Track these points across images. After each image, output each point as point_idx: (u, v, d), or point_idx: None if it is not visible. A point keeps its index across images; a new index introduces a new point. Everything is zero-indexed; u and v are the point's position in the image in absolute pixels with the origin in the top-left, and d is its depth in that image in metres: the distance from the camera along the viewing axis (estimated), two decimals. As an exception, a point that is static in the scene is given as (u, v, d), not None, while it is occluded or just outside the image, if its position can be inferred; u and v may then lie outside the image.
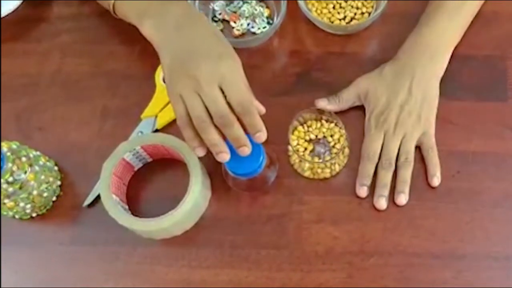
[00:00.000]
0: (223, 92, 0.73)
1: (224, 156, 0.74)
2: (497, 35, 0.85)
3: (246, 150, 0.74)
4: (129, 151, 0.80)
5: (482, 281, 0.78)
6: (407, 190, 0.81)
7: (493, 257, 0.79)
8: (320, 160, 0.82)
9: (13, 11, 0.92)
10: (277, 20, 0.89)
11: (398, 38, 0.90)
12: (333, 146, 0.83)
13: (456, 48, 0.86)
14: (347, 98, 0.85)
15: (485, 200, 0.81)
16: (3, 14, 0.92)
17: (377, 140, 0.82)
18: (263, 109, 0.77)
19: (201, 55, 0.74)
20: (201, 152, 0.75)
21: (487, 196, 0.81)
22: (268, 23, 0.92)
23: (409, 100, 0.82)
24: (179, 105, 0.74)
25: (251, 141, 0.76)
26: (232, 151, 0.75)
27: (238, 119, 0.74)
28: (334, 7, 0.91)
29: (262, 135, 0.75)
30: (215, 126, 0.74)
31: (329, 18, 0.90)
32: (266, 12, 0.92)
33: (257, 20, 0.92)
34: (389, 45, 0.90)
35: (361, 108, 0.86)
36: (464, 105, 0.82)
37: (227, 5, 0.93)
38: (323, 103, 0.84)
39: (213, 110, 0.73)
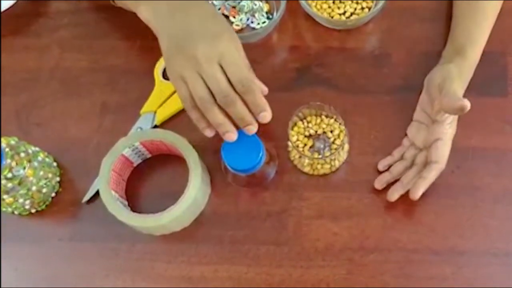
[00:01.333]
0: (224, 72, 0.73)
1: (231, 136, 0.74)
2: (498, 31, 0.85)
3: (252, 128, 0.74)
4: (128, 147, 0.80)
5: (482, 277, 0.78)
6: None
7: (493, 254, 0.79)
8: (320, 156, 0.82)
9: (12, 6, 0.92)
10: (276, 15, 0.89)
11: (398, 33, 0.90)
12: (333, 142, 0.83)
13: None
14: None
15: (485, 196, 0.81)
16: (2, 9, 0.91)
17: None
18: (265, 89, 0.77)
19: (199, 35, 0.73)
20: (210, 133, 0.75)
21: (487, 192, 0.81)
22: (268, 18, 0.92)
23: None
24: (182, 88, 0.74)
25: (250, 137, 0.75)
26: (232, 147, 0.75)
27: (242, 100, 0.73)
28: (334, 2, 0.91)
29: (267, 115, 0.74)
30: (220, 106, 0.73)
31: (329, 13, 0.90)
32: (266, 7, 0.92)
33: (256, 15, 0.91)
34: (389, 40, 0.90)
35: (362, 104, 0.86)
36: (465, 100, 0.82)
37: (226, 0, 0.93)
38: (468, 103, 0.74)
39: (215, 89, 0.73)
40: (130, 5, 0.81)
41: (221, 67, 0.73)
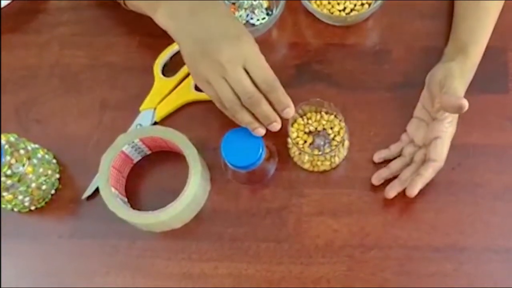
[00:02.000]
0: (247, 72, 0.74)
1: (260, 131, 0.76)
2: (498, 27, 0.85)
3: (276, 126, 0.76)
4: (128, 144, 0.79)
5: (482, 274, 0.78)
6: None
7: (493, 250, 0.79)
8: (320, 153, 0.81)
9: (12, 3, 0.92)
10: (276, 12, 0.89)
11: (398, 29, 0.90)
12: (333, 139, 0.82)
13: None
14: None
15: (486, 192, 0.81)
16: (2, 6, 0.91)
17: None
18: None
19: (220, 38, 0.74)
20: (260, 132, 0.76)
21: (487, 188, 0.81)
22: (268, 14, 0.91)
23: None
24: (210, 90, 0.76)
25: (250, 134, 0.75)
26: (232, 144, 0.75)
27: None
28: (334, -2, 0.91)
29: (290, 111, 0.76)
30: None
31: (329, 9, 0.90)
32: (265, 4, 0.92)
33: (256, 11, 0.91)
34: (389, 36, 0.90)
35: (362, 100, 0.86)
36: (465, 97, 0.81)
37: (226, -4, 0.93)
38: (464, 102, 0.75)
39: (240, 92, 0.74)
40: (147, 9, 0.80)
41: (245, 68, 0.74)
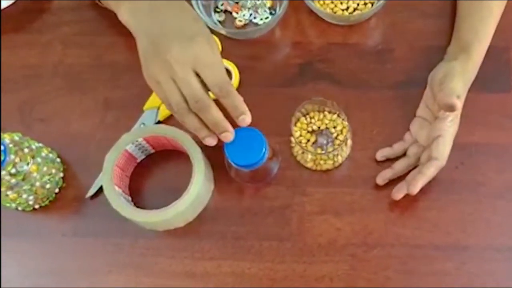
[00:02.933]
0: (198, 75, 0.72)
1: (209, 141, 0.74)
2: (501, 26, 0.85)
3: (229, 136, 0.73)
4: (131, 143, 0.80)
5: (485, 272, 0.78)
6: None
7: (496, 249, 0.79)
8: (323, 152, 0.82)
9: (15, 3, 0.92)
10: (279, 11, 0.89)
11: (401, 28, 0.90)
12: (336, 138, 0.82)
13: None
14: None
15: (488, 191, 0.81)
16: (5, 6, 0.91)
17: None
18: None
19: (173, 37, 0.72)
20: (209, 142, 0.75)
21: (490, 187, 0.81)
22: (271, 13, 0.91)
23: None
24: (159, 92, 0.73)
25: (253, 132, 0.75)
26: (235, 143, 0.75)
27: (219, 104, 0.72)
28: (336, -2, 0.91)
29: (246, 118, 0.73)
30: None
31: (332, 9, 0.90)
32: (269, 3, 0.92)
33: (259, 11, 0.91)
34: (392, 35, 0.90)
35: (365, 99, 0.86)
36: (467, 96, 0.81)
37: (229, -5, 0.93)
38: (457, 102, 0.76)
39: (187, 94, 0.71)
40: (113, 5, 0.81)
41: (196, 71, 0.72)
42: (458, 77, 0.79)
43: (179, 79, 0.71)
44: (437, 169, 0.79)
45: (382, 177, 0.81)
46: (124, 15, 0.77)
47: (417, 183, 0.78)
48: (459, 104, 0.76)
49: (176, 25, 0.74)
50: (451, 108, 0.76)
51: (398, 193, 0.79)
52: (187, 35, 0.73)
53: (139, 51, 0.75)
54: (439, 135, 0.79)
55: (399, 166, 0.81)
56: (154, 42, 0.73)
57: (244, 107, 0.73)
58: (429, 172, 0.78)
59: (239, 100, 0.73)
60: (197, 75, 0.72)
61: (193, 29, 0.74)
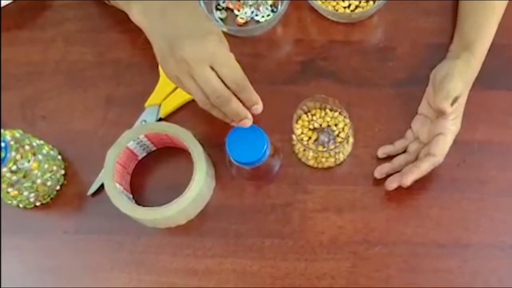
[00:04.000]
0: (215, 71, 0.73)
1: (245, 122, 0.75)
2: (504, 23, 0.85)
3: (247, 122, 0.75)
4: (133, 140, 0.80)
5: (487, 270, 0.78)
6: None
7: (498, 247, 0.79)
8: (324, 149, 0.81)
9: (16, 0, 0.92)
10: (281, 8, 0.89)
11: (403, 26, 0.90)
12: (338, 135, 0.82)
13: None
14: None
15: (491, 189, 0.81)
16: (7, 3, 0.91)
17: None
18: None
19: (187, 37, 0.73)
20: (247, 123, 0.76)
21: (492, 185, 0.81)
22: (272, 11, 0.91)
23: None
24: (182, 88, 0.75)
25: (255, 130, 0.75)
26: (237, 141, 0.75)
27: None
28: (339, -5, 0.91)
29: (259, 107, 0.75)
30: None
31: (334, 6, 0.90)
32: (270, 1, 0.92)
33: (261, 8, 0.91)
34: (394, 33, 0.90)
35: (367, 97, 0.86)
36: (470, 94, 0.81)
37: (231, -7, 0.93)
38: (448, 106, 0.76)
39: (208, 92, 0.73)
40: (123, 5, 0.81)
41: (213, 68, 0.73)
42: (457, 77, 0.78)
43: (198, 77, 0.72)
44: (433, 165, 0.78)
45: (380, 171, 0.81)
46: (136, 16, 0.78)
47: (411, 175, 0.78)
48: (449, 109, 0.76)
49: (189, 24, 0.75)
50: (441, 113, 0.76)
51: (392, 183, 0.79)
52: (201, 34, 0.73)
53: (155, 51, 0.76)
54: (440, 133, 0.78)
55: (398, 162, 0.81)
56: (169, 42, 0.74)
57: (257, 98, 0.75)
58: (424, 166, 0.78)
59: (253, 92, 0.75)
60: (214, 71, 0.73)
61: (206, 27, 0.75)
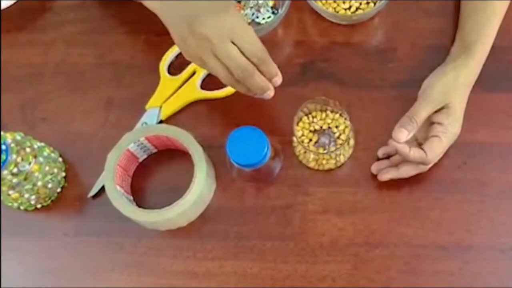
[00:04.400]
0: (236, 46, 0.73)
1: (269, 94, 0.76)
2: (505, 25, 0.84)
3: (270, 93, 0.76)
4: (133, 142, 0.80)
5: (488, 272, 0.78)
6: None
7: (499, 249, 0.79)
8: (325, 151, 0.81)
9: (17, 1, 0.92)
10: (282, 10, 0.89)
11: (403, 27, 0.90)
12: (338, 137, 0.82)
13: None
14: (424, 117, 0.78)
15: (492, 191, 0.81)
16: (7, 5, 0.91)
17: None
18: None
19: (206, 13, 0.73)
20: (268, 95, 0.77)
21: (493, 187, 0.81)
22: (273, 13, 0.91)
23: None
24: (205, 68, 0.75)
25: (255, 132, 0.75)
26: (237, 143, 0.75)
27: None
28: (339, -3, 0.91)
29: (278, 79, 0.76)
30: None
31: (334, 8, 0.90)
32: (271, 2, 0.92)
33: (261, 10, 0.91)
34: (394, 34, 0.90)
35: (367, 99, 0.86)
36: (471, 96, 0.81)
37: (231, -6, 0.93)
38: (403, 136, 0.76)
39: (233, 66, 0.73)
40: None
41: (234, 42, 0.73)
42: (440, 88, 0.78)
43: (221, 54, 0.72)
44: (421, 160, 0.77)
45: (378, 166, 0.81)
46: (151, 2, 0.77)
47: (401, 167, 0.79)
48: (402, 139, 0.76)
49: (205, 1, 0.74)
50: (394, 138, 0.76)
51: (386, 174, 0.80)
52: (219, 8, 0.73)
53: (172, 34, 0.75)
54: (436, 135, 0.78)
55: (396, 159, 0.81)
56: (188, 21, 0.73)
57: (277, 69, 0.76)
58: (414, 157, 0.77)
59: (272, 64, 0.75)
60: (235, 45, 0.73)
61: (222, 2, 0.74)
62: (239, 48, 0.73)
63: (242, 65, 0.73)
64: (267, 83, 0.76)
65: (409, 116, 0.78)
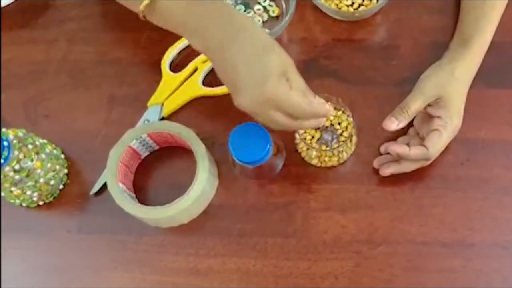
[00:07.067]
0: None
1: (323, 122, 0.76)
2: (507, 21, 0.84)
3: (323, 121, 0.75)
4: (135, 139, 0.79)
5: (491, 269, 0.77)
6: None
7: (502, 246, 0.78)
8: (328, 148, 0.81)
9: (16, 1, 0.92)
10: (284, 20, 0.87)
11: (406, 24, 0.89)
12: (341, 134, 0.82)
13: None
14: (416, 108, 0.78)
15: (495, 188, 0.81)
16: (9, 2, 0.91)
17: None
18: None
19: (244, 84, 0.69)
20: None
21: (496, 184, 0.81)
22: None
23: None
24: (257, 118, 0.73)
25: (258, 129, 0.75)
26: (240, 139, 0.75)
27: None
28: (342, -7, 0.90)
29: (329, 112, 0.75)
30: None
31: (337, 5, 0.89)
32: (276, 11, 0.91)
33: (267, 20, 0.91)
34: (397, 31, 0.89)
35: (370, 96, 0.85)
36: (474, 93, 0.81)
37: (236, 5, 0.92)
38: (393, 125, 0.78)
39: (281, 126, 0.72)
40: (179, 33, 0.74)
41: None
42: (433, 80, 0.79)
43: (264, 120, 0.72)
44: (423, 157, 0.78)
45: (379, 161, 0.81)
46: (197, 47, 0.72)
47: (402, 162, 0.79)
48: (388, 127, 0.78)
49: (246, 66, 0.69)
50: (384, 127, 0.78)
51: (387, 169, 0.80)
52: (259, 80, 0.68)
53: (225, 82, 0.72)
54: (436, 129, 0.78)
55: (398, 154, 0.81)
56: (233, 84, 0.70)
57: (324, 108, 0.75)
58: (415, 154, 0.77)
59: (320, 108, 0.74)
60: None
61: (263, 64, 0.69)
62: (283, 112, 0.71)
63: (287, 126, 0.72)
64: (317, 121, 0.74)
65: (401, 107, 0.79)
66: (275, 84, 0.69)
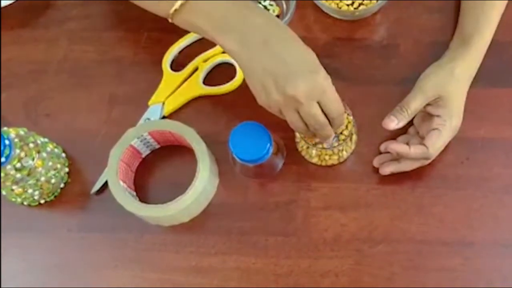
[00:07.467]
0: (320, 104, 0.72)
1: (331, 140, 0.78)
2: (508, 20, 0.85)
3: (331, 140, 0.78)
4: (136, 138, 0.80)
5: (491, 268, 0.78)
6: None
7: (502, 244, 0.78)
8: (328, 147, 0.81)
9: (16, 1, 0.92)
10: (284, 19, 0.87)
11: (406, 23, 0.90)
12: (341, 133, 0.82)
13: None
14: (416, 108, 0.79)
15: (495, 186, 0.81)
16: (9, 2, 0.92)
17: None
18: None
19: (298, 74, 0.70)
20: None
21: (496, 182, 0.81)
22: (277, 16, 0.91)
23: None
24: (281, 116, 0.74)
25: (258, 127, 0.75)
26: (240, 138, 0.75)
27: None
28: (342, -7, 0.91)
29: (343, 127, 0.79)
30: None
31: (337, 4, 0.89)
32: (277, 10, 0.92)
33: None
34: (397, 30, 0.90)
35: (370, 95, 0.86)
36: (474, 91, 0.81)
37: None
38: (392, 124, 0.79)
39: (311, 124, 0.73)
40: (209, 32, 0.72)
41: (320, 102, 0.72)
42: (433, 79, 0.79)
43: (305, 112, 0.72)
44: (423, 156, 0.78)
45: (380, 160, 0.81)
46: (231, 44, 0.71)
47: (402, 160, 0.80)
48: (387, 126, 0.79)
49: (298, 59, 0.71)
50: (384, 125, 0.79)
51: (387, 168, 0.80)
52: (311, 69, 0.70)
53: (250, 81, 0.72)
54: (436, 128, 0.79)
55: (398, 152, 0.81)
56: (276, 78, 0.70)
57: (344, 120, 0.78)
58: (415, 153, 0.78)
59: (344, 118, 0.76)
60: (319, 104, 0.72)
61: (312, 61, 0.71)
62: (321, 107, 0.72)
63: (321, 123, 0.73)
64: (333, 132, 0.75)
65: (400, 106, 0.79)
66: (325, 73, 0.72)
